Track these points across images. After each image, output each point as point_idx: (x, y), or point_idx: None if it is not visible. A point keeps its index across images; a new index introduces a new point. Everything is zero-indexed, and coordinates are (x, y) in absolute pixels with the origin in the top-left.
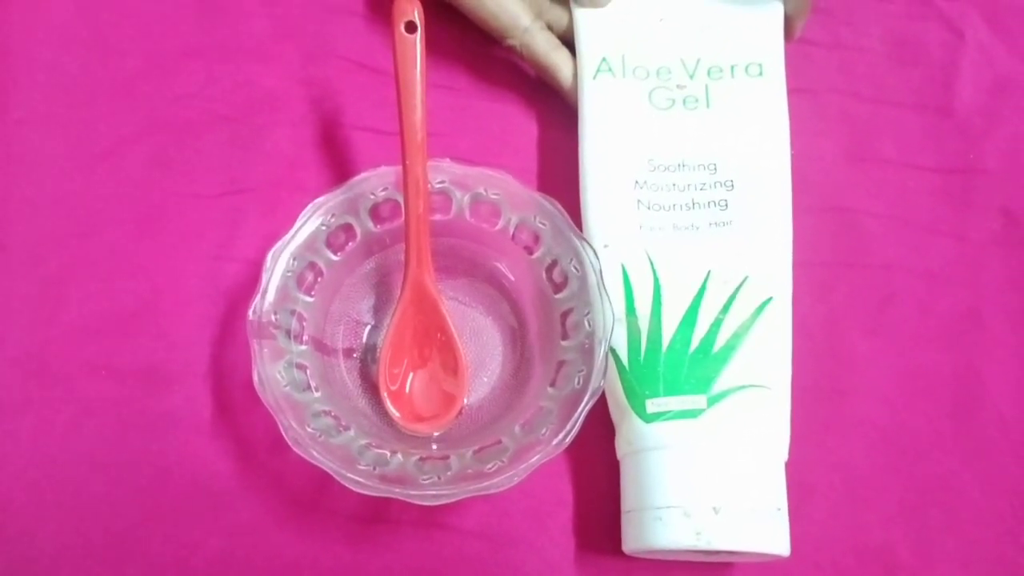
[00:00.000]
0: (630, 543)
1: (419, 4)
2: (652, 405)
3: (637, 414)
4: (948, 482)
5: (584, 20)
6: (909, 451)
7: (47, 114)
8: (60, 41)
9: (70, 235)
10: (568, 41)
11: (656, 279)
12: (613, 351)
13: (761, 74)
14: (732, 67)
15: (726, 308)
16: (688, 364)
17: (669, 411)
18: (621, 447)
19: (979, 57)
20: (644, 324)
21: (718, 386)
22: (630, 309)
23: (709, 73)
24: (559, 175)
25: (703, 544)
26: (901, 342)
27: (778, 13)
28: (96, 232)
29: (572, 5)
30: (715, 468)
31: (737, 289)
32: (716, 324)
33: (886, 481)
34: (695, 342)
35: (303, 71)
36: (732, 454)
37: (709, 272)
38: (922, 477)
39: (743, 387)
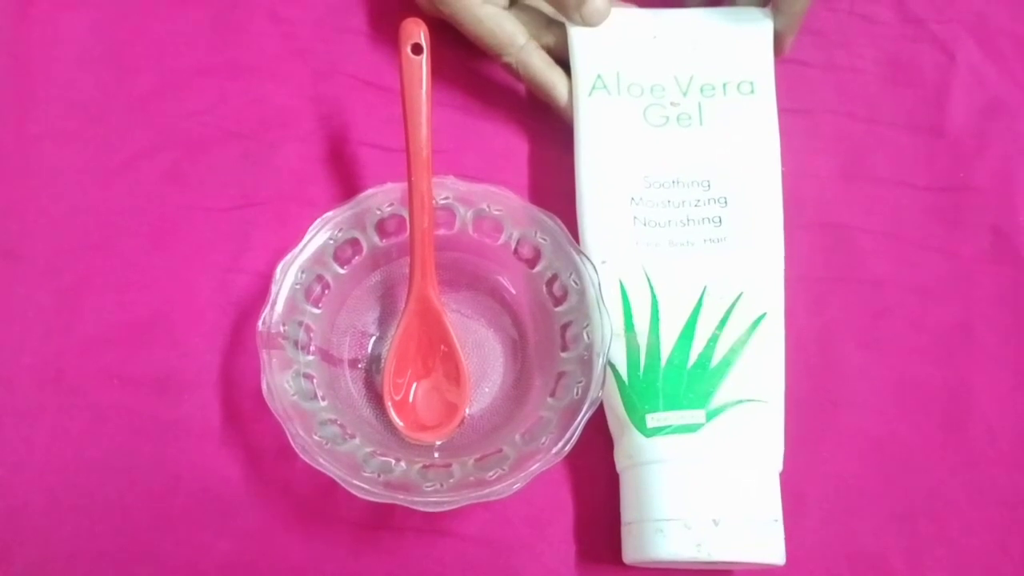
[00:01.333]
0: (631, 554)
1: (425, 26)
2: (652, 420)
3: (637, 428)
4: (939, 492)
5: (579, 38)
6: (901, 462)
7: (64, 129)
8: (77, 59)
9: (85, 247)
10: (563, 60)
11: (653, 295)
12: (612, 366)
13: (753, 92)
14: (724, 85)
15: (722, 324)
16: (687, 379)
17: (669, 425)
18: (621, 460)
19: (970, 79)
20: (643, 340)
21: (716, 401)
22: (628, 325)
23: (702, 91)
24: (558, 192)
25: (703, 556)
26: (893, 356)
27: (768, 31)
28: (111, 244)
29: (567, 24)
30: (714, 481)
31: (732, 305)
32: (713, 339)
33: (878, 491)
34: (693, 357)
35: (312, 89)
36: (730, 467)
37: (705, 288)
38: (913, 487)
39: (740, 401)
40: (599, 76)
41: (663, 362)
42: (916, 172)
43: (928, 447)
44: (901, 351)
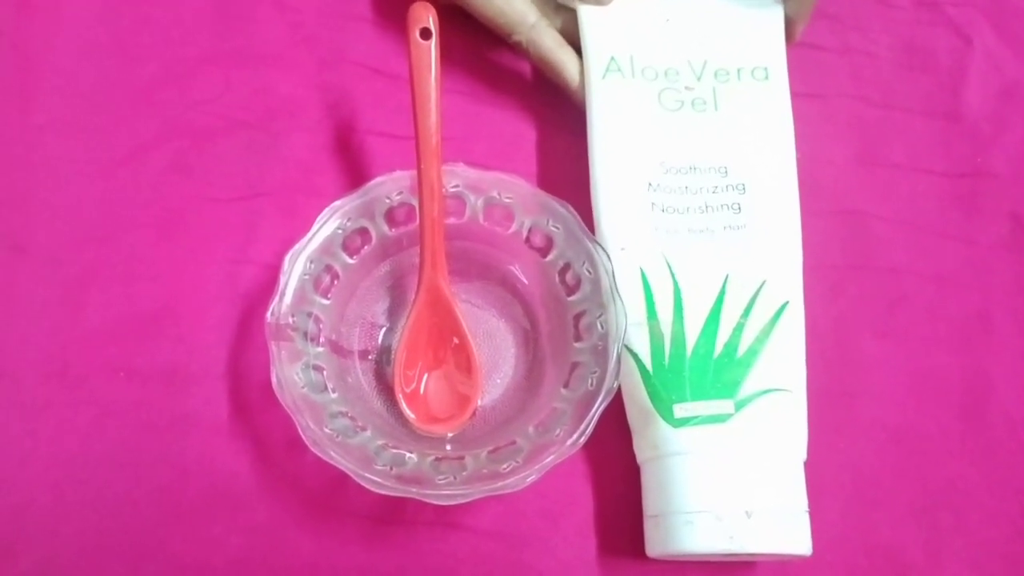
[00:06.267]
0: (656, 547)
1: (433, 11)
2: (680, 410)
3: (664, 419)
4: (957, 483)
5: (589, 19)
6: (918, 452)
7: (68, 120)
8: (80, 48)
9: (90, 239)
10: (573, 41)
11: (676, 283)
12: (635, 356)
13: (767, 78)
14: (739, 70)
15: (747, 312)
16: (714, 369)
17: (697, 416)
18: (643, 451)
19: (987, 63)
20: (666, 328)
21: (744, 390)
22: (651, 313)
23: (716, 75)
24: (569, 179)
25: (736, 548)
26: (910, 344)
27: (779, 17)
28: (116, 236)
29: (576, 2)
30: (746, 472)
31: (756, 293)
32: (738, 328)
33: (896, 482)
34: (719, 347)
35: (319, 77)
36: (761, 457)
37: (727, 276)
38: (932, 478)
39: (767, 391)
40: (613, 58)
41: (688, 351)
42: (932, 158)
43: (946, 438)
44: (918, 340)
